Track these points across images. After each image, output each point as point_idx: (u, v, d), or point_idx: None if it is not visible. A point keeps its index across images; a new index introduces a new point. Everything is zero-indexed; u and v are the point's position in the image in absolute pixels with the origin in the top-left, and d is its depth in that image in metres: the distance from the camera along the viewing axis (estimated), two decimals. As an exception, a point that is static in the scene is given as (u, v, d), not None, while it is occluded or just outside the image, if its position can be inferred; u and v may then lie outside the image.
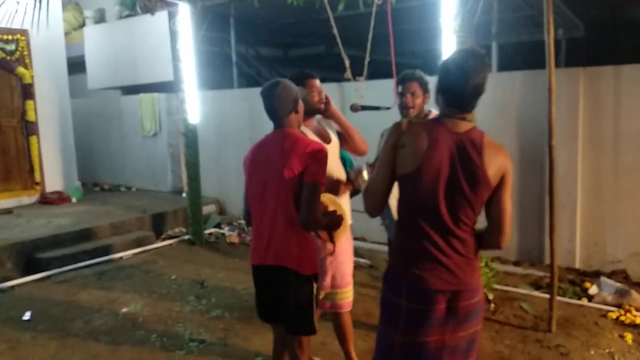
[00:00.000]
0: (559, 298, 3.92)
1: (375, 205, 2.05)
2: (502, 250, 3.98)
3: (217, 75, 8.50)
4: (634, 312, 3.87)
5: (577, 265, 4.84)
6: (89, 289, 4.79)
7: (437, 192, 1.91)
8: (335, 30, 4.31)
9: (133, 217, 6.48)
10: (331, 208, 2.63)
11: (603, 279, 4.36)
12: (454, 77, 1.92)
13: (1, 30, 6.79)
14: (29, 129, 7.29)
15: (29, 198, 7.36)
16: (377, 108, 3.21)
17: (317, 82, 2.91)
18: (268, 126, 2.54)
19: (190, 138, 6.10)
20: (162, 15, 7.53)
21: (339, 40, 4.32)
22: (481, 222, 2.01)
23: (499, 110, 4.94)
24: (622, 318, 3.83)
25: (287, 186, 2.40)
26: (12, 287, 4.90)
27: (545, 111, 3.68)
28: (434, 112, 3.07)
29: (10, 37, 6.99)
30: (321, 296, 2.91)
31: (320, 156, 2.40)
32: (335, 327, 3.09)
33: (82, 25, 9.33)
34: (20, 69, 7.12)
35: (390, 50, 3.87)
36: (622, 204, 4.60)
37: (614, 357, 3.36)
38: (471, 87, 1.89)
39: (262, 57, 10.25)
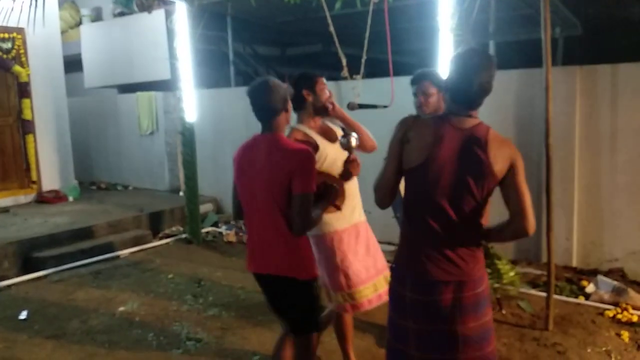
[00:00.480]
0: (556, 296, 3.93)
1: (383, 198, 2.14)
2: (500, 248, 4.00)
3: (214, 73, 8.48)
4: (631, 310, 3.88)
5: (574, 264, 4.84)
6: (85, 288, 4.78)
7: (442, 187, 1.96)
8: (332, 29, 4.31)
9: (130, 215, 6.47)
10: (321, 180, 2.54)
11: (600, 277, 4.37)
12: (460, 75, 1.97)
13: (-3, 29, 6.77)
14: (26, 127, 7.26)
15: (26, 197, 7.33)
16: (374, 106, 3.21)
17: (325, 80, 2.90)
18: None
19: (188, 137, 6.09)
20: (159, 14, 7.51)
21: (336, 39, 4.33)
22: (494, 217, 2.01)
23: (495, 108, 4.91)
24: (619, 316, 3.83)
25: (274, 200, 2.34)
26: (9, 286, 4.88)
27: (542, 109, 3.68)
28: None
29: (6, 35, 6.95)
30: (338, 298, 2.85)
31: (308, 167, 2.32)
32: (336, 326, 3.05)
33: (79, 23, 9.28)
34: (17, 68, 7.09)
35: (388, 48, 3.87)
36: (619, 202, 4.60)
37: (611, 355, 3.36)
38: (477, 85, 1.94)
39: (260, 55, 10.23)
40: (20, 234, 5.58)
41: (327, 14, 4.32)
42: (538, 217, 4.91)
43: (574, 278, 4.57)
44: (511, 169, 1.95)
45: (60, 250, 5.46)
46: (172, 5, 5.81)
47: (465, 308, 1.99)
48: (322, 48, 10.00)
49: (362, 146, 2.89)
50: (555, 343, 3.53)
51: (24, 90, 7.21)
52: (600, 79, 4.59)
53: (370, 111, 3.19)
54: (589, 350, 3.44)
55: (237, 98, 7.22)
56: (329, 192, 2.54)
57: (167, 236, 6.44)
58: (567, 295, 4.26)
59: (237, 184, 2.54)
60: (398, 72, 3.91)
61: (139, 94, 8.16)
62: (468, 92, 1.96)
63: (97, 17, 9.10)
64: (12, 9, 4.40)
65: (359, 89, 4.22)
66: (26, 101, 7.22)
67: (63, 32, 8.41)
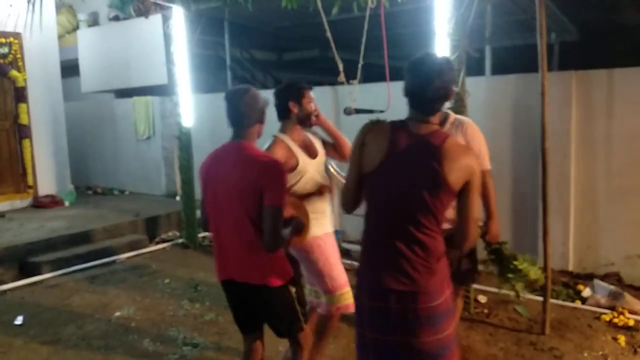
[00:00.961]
0: (552, 301, 3.93)
1: (347, 202, 2.13)
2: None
3: (211, 78, 8.48)
4: (627, 315, 3.89)
5: (571, 268, 4.85)
6: (81, 293, 4.76)
7: (395, 194, 1.92)
8: (329, 34, 4.32)
9: (126, 220, 6.45)
10: (290, 213, 2.52)
11: (596, 281, 4.38)
12: (414, 80, 1.94)
13: (-6, 33, 6.77)
14: (22, 132, 7.25)
15: (22, 202, 7.31)
16: (370, 111, 3.23)
17: (312, 93, 2.93)
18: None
19: (184, 141, 6.09)
20: (156, 19, 7.50)
21: (332, 44, 4.33)
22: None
23: (491, 113, 4.95)
24: (616, 320, 3.84)
25: (245, 209, 2.30)
26: (4, 291, 4.86)
27: (538, 114, 3.69)
28: (453, 115, 3.07)
29: (3, 40, 6.94)
30: (330, 299, 2.86)
31: (278, 177, 2.29)
32: (318, 323, 2.98)
33: (76, 28, 9.30)
34: (13, 72, 7.08)
35: (384, 53, 3.88)
36: (615, 207, 4.61)
37: (607, 359, 3.38)
38: (432, 90, 1.89)
39: (257, 60, 10.25)
40: (16, 239, 5.56)
41: (324, 19, 4.32)
42: (534, 221, 4.95)
43: (571, 282, 4.58)
44: (466, 185, 1.89)
45: (56, 255, 5.44)
46: (169, 10, 5.82)
47: (419, 321, 1.93)
48: (319, 53, 10.03)
49: (343, 156, 2.99)
50: (552, 347, 3.53)
51: (20, 95, 7.19)
52: (595, 84, 4.61)
53: (367, 116, 3.19)
54: (585, 354, 3.44)
55: (234, 103, 7.23)
56: (296, 224, 2.52)
57: (164, 241, 6.43)
58: (563, 300, 4.27)
59: (204, 192, 2.48)
60: (395, 77, 3.91)
61: (135, 98, 8.16)
62: (422, 97, 1.92)
63: (94, 22, 9.11)
64: (9, 14, 4.41)
65: (356, 93, 4.22)
66: (23, 106, 7.21)
67: (60, 37, 8.40)
